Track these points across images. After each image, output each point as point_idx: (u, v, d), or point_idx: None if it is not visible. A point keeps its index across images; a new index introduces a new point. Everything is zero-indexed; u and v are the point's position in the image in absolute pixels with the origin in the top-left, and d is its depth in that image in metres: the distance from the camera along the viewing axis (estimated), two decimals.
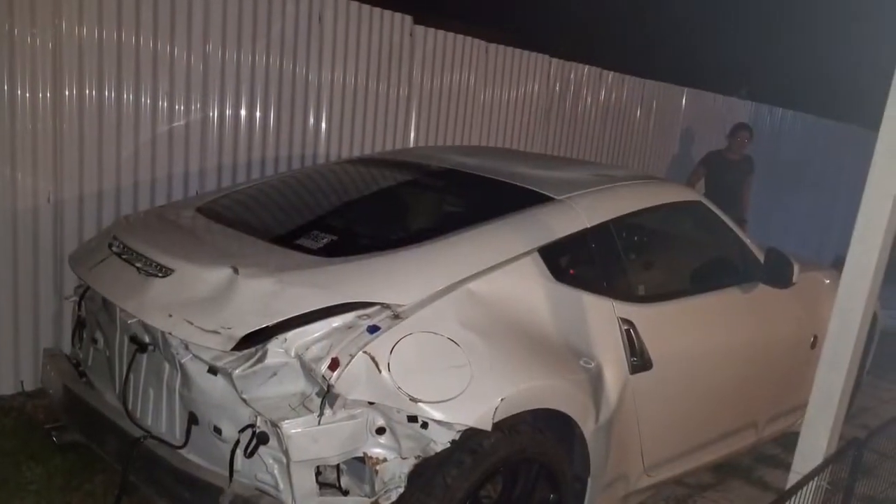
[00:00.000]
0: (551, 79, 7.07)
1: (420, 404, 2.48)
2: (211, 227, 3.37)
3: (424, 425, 2.51)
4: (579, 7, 15.19)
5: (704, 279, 3.97)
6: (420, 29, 5.89)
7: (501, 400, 2.60)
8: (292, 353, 2.56)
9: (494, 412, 2.58)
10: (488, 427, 2.56)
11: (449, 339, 2.66)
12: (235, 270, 2.74)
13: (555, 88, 7.15)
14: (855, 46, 16.00)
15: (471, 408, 2.54)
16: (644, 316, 3.37)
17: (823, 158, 11.03)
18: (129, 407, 3.03)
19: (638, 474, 3.50)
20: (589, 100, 7.52)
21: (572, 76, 7.28)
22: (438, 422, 2.50)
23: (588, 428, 3.03)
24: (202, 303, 2.69)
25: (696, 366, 3.64)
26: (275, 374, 2.57)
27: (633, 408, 3.29)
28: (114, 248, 3.17)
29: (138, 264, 2.96)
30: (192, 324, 2.62)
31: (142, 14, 4.44)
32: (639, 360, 3.28)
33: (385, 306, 2.67)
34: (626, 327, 3.26)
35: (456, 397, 2.53)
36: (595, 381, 3.06)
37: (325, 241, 3.06)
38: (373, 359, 2.51)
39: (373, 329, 2.58)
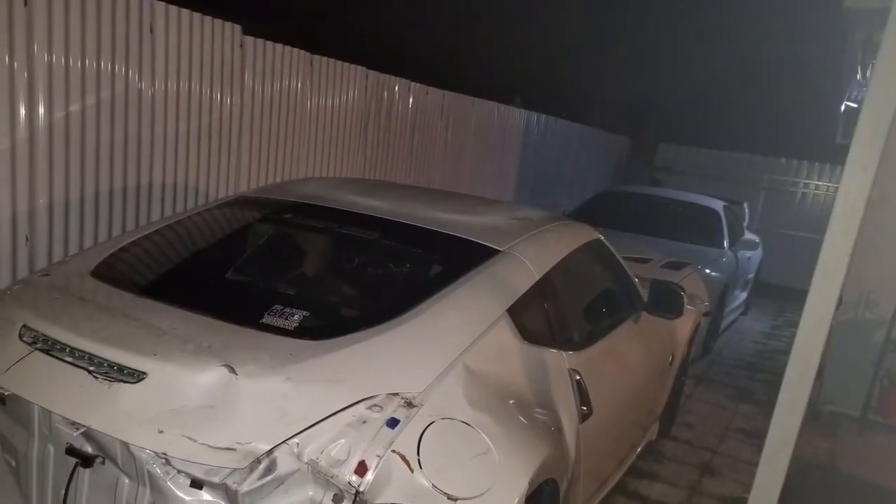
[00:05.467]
0: (368, 90, 7.01)
1: (459, 502, 2.28)
2: (145, 306, 2.81)
3: None
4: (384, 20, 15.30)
5: (613, 315, 4.06)
6: (249, 40, 5.51)
7: (529, 484, 2.49)
8: (305, 459, 2.25)
9: (524, 498, 2.46)
10: None
11: (464, 423, 2.47)
12: (231, 370, 2.35)
13: (372, 98, 7.11)
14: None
15: (506, 499, 2.38)
16: (584, 362, 3.36)
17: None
18: None
19: None
20: (400, 108, 7.53)
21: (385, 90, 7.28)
22: None
23: (562, 487, 3.00)
24: (199, 413, 2.28)
25: (617, 401, 3.73)
26: (282, 483, 2.26)
27: (580, 455, 3.31)
28: (28, 340, 2.59)
29: (88, 366, 2.44)
30: (195, 441, 2.22)
31: None
32: (587, 408, 3.29)
33: (393, 394, 2.44)
34: (576, 378, 3.26)
35: (490, 489, 2.36)
36: (562, 440, 3.04)
37: (296, 317, 2.71)
38: (403, 457, 2.27)
39: (393, 423, 2.33)
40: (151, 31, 4.70)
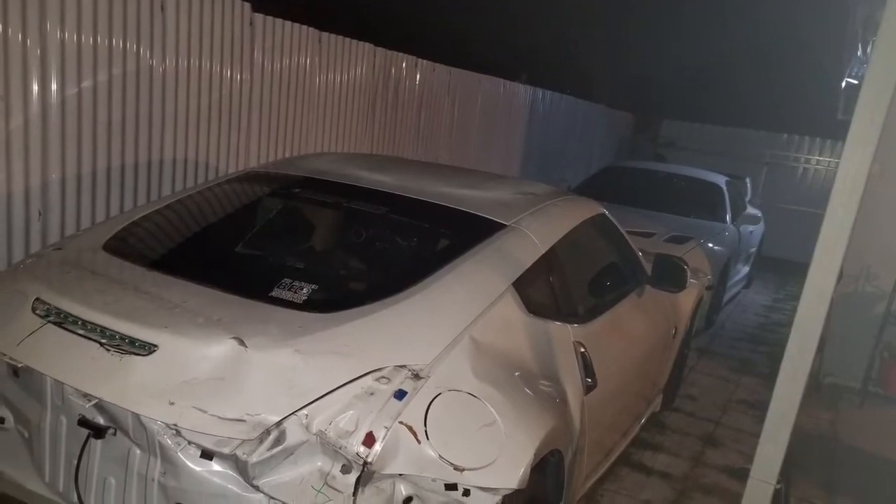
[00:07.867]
0: (376, 67, 7.07)
1: (465, 472, 2.32)
2: (156, 279, 2.86)
3: (466, 492, 2.34)
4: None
5: (617, 289, 4.12)
6: (259, 17, 5.54)
7: (534, 455, 2.52)
8: (313, 430, 2.30)
9: (529, 468, 2.50)
10: (525, 485, 2.43)
11: (470, 395, 2.51)
12: (241, 342, 2.40)
13: (379, 75, 7.16)
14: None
15: (512, 469, 2.40)
16: (589, 335, 3.42)
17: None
18: (83, 501, 2.58)
19: (580, 483, 3.61)
20: (407, 85, 7.59)
21: (392, 67, 7.33)
22: (483, 488, 2.34)
23: (567, 458, 3.07)
24: (209, 385, 2.33)
25: (621, 373, 3.79)
26: (291, 454, 2.32)
27: (585, 426, 3.37)
28: (41, 313, 2.64)
29: (101, 339, 2.48)
30: (205, 412, 2.27)
31: None
32: (591, 380, 3.35)
33: (400, 366, 2.48)
34: (581, 350, 3.31)
35: (496, 460, 2.38)
36: (567, 411, 3.10)
37: (304, 291, 2.76)
38: (410, 429, 2.32)
39: (400, 394, 2.38)
40: (162, 8, 4.73)
